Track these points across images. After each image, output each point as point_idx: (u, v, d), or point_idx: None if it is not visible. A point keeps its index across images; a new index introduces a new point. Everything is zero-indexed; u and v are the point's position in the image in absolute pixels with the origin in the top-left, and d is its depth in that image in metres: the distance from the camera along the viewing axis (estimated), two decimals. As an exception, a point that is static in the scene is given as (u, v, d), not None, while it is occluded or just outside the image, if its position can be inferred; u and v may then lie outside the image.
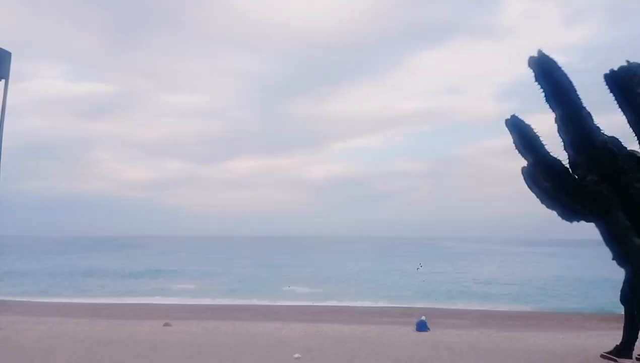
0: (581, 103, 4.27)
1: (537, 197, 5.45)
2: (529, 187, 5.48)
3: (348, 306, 18.16)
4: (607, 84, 4.27)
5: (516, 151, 4.94)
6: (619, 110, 4.49)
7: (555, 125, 4.47)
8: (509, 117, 4.81)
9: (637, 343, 6.70)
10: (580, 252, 58.78)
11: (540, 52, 4.20)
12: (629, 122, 4.42)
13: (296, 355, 5.97)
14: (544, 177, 5.04)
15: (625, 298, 5.62)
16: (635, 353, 5.89)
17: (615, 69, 4.24)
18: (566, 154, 4.72)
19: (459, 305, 18.89)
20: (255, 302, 19.44)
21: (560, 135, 4.51)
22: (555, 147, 4.78)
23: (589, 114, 4.29)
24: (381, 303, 19.12)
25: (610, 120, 4.57)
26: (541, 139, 4.80)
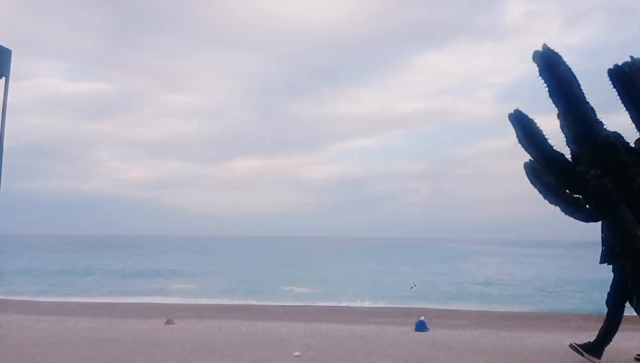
0: (585, 97, 4.26)
1: (540, 192, 5.45)
2: (532, 182, 5.48)
3: (347, 306, 18.21)
4: (611, 79, 4.26)
5: (518, 147, 4.89)
6: (620, 110, 4.51)
7: (558, 121, 4.46)
8: (512, 111, 4.81)
9: (637, 343, 6.78)
10: (579, 254, 58.71)
11: (545, 46, 4.20)
12: (632, 118, 4.42)
13: (296, 353, 6.00)
14: (547, 172, 5.04)
15: (611, 301, 5.63)
16: (634, 354, 5.93)
17: (619, 64, 4.24)
18: (568, 149, 4.72)
19: (458, 306, 18.94)
20: (254, 301, 19.48)
21: (562, 131, 4.49)
22: (558, 145, 4.78)
23: (592, 108, 4.28)
24: (380, 304, 19.15)
25: (610, 120, 4.58)
26: (544, 133, 4.79)
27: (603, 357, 5.63)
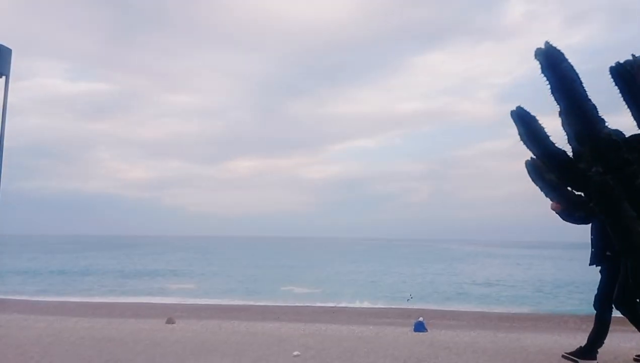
0: (587, 95, 4.24)
1: (542, 190, 5.43)
2: (533, 180, 5.45)
3: (346, 307, 18.23)
4: (612, 77, 4.25)
5: (518, 148, 4.89)
6: (621, 111, 4.50)
7: (560, 119, 4.45)
8: (514, 108, 4.80)
9: (636, 344, 6.77)
10: (578, 255, 58.72)
11: (547, 43, 4.19)
12: (633, 115, 4.41)
13: (295, 353, 5.99)
14: (549, 169, 5.03)
15: (599, 303, 5.64)
16: (634, 354, 5.92)
17: (621, 62, 4.24)
18: (570, 147, 4.70)
19: (457, 307, 18.97)
20: (254, 302, 19.50)
21: (564, 129, 4.47)
22: (560, 142, 4.76)
23: (594, 106, 4.27)
24: (379, 305, 19.16)
25: (610, 120, 4.57)
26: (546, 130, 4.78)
27: (602, 358, 5.63)
